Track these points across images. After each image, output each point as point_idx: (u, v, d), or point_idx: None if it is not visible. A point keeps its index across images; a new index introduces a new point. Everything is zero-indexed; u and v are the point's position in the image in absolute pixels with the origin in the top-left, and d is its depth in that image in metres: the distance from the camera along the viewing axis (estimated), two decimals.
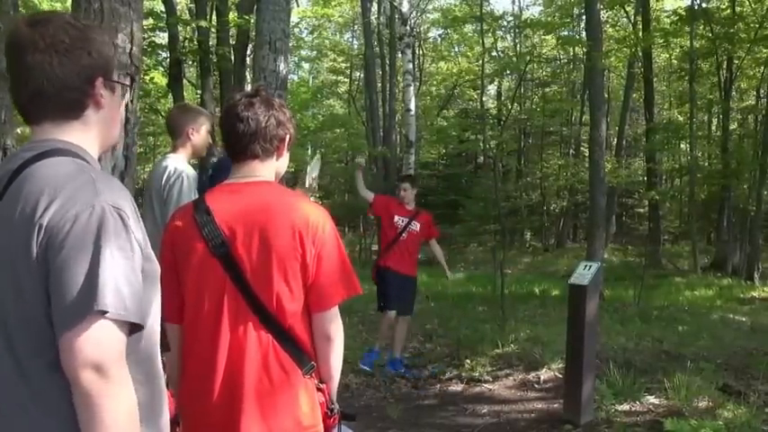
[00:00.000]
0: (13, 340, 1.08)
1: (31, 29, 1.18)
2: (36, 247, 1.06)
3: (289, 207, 1.70)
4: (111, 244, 1.06)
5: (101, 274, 1.04)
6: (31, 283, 1.07)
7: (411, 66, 17.51)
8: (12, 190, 1.13)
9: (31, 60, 1.17)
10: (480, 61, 19.95)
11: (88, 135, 1.24)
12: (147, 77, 13.58)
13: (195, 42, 13.36)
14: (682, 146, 23.76)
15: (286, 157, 1.86)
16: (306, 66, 30.79)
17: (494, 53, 20.67)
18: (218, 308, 1.65)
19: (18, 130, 4.35)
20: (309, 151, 23.04)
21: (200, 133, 3.24)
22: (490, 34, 20.30)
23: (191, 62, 14.57)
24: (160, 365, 1.24)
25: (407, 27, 16.60)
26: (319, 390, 1.72)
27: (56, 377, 1.06)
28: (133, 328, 1.10)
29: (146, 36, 11.07)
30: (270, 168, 1.80)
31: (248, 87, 10.44)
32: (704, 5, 15.90)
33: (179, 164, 3.13)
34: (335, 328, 1.72)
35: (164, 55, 13.97)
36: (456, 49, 28.47)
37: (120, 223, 1.09)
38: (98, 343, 1.03)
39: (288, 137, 1.82)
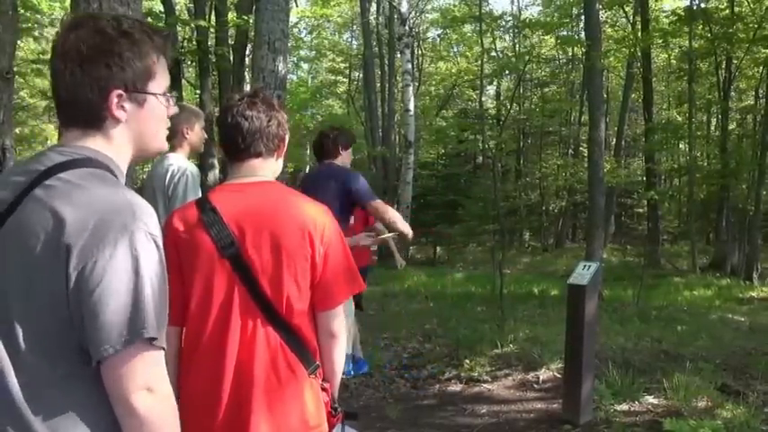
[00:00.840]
0: (24, 351, 1.05)
1: (64, 31, 1.16)
2: (66, 267, 1.03)
3: (295, 207, 1.71)
4: (149, 270, 1.07)
5: (145, 302, 1.05)
6: (53, 296, 1.04)
7: (410, 66, 17.52)
8: (38, 194, 1.08)
9: (53, 64, 1.16)
10: (479, 61, 19.93)
11: (111, 147, 1.19)
12: None
13: (194, 42, 13.35)
14: (681, 146, 23.80)
15: (282, 159, 1.87)
16: (305, 66, 30.83)
17: (493, 53, 20.63)
18: (227, 308, 1.64)
19: (17, 130, 4.35)
20: (309, 151, 23.01)
21: (195, 131, 3.30)
22: (489, 34, 20.28)
23: (189, 62, 14.57)
24: None
25: (406, 27, 16.62)
26: (323, 389, 1.73)
27: (70, 387, 1.07)
28: None
29: None
30: (270, 168, 1.81)
31: (247, 87, 10.44)
32: (703, 6, 15.92)
33: (181, 162, 3.18)
34: (339, 324, 1.74)
35: None
36: (455, 49, 28.51)
37: (156, 249, 1.09)
38: (148, 368, 1.07)
39: (287, 137, 1.84)
